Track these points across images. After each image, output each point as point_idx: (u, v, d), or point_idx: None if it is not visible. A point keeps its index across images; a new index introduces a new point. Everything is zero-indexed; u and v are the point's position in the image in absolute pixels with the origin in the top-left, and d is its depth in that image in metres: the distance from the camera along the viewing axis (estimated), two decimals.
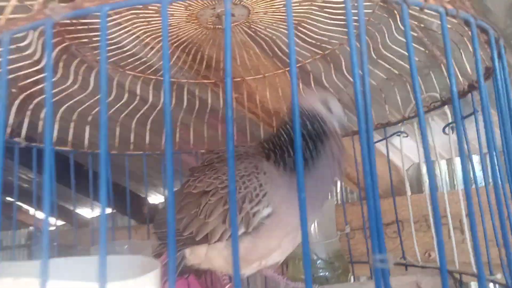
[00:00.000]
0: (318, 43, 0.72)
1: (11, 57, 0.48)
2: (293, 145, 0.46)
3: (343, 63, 0.75)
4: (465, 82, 0.57)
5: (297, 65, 0.82)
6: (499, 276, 0.55)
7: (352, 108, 0.88)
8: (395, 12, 0.60)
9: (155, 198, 2.22)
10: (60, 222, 2.36)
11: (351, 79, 0.27)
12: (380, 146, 1.26)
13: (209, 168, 0.57)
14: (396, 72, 0.69)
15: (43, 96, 0.64)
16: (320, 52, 0.75)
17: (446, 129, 0.62)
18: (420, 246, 0.80)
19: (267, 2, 0.53)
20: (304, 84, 0.92)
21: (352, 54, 0.26)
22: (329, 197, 0.65)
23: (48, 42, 0.24)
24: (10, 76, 0.49)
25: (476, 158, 1.25)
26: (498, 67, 0.39)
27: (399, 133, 0.69)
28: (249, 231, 0.51)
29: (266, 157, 0.54)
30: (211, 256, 0.53)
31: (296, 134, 0.27)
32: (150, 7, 0.56)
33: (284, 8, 0.55)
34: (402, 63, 0.66)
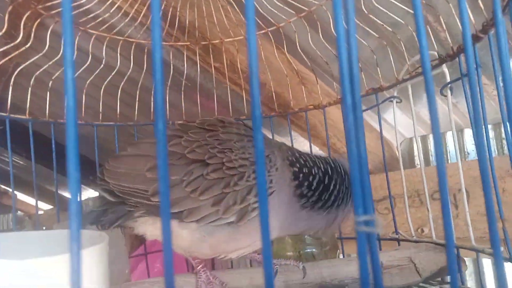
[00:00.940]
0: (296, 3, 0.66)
1: None
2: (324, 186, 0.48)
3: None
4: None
5: (273, 28, 0.75)
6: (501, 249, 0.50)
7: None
8: None
9: None
10: (48, 206, 2.29)
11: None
12: (371, 121, 1.21)
13: (211, 135, 0.49)
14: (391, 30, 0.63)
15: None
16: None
17: (444, 91, 0.56)
18: (412, 221, 0.76)
19: None
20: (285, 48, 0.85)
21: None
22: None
23: None
24: None
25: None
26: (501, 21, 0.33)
27: (392, 98, 0.63)
28: (240, 224, 0.45)
29: (289, 163, 0.49)
30: (178, 234, 0.46)
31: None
32: None
33: None
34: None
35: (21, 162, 1.75)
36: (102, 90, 0.70)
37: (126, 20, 0.68)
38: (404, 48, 0.61)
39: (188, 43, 0.74)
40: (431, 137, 1.27)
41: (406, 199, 0.77)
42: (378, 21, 0.65)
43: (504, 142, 1.11)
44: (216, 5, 0.74)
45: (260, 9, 0.72)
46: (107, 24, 0.66)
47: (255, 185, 0.44)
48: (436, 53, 0.54)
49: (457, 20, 0.49)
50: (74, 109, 0.19)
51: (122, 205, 0.47)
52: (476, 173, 0.98)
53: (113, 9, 0.66)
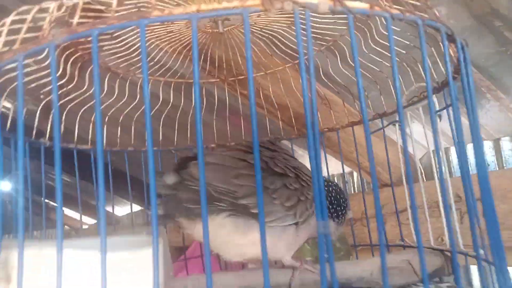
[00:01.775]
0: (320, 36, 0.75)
1: (29, 69, 0.54)
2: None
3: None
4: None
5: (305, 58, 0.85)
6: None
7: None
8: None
9: None
10: (93, 221, 2.48)
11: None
12: (392, 135, 1.29)
13: (281, 154, 0.59)
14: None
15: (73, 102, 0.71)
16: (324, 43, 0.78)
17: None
18: (432, 231, 0.82)
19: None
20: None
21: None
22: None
23: (52, 61, 0.30)
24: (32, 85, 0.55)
25: (488, 144, 1.25)
26: (463, 70, 0.42)
27: (395, 122, 0.72)
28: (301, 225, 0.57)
29: None
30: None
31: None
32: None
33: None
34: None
35: (68, 180, 1.92)
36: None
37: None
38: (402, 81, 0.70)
39: (218, 79, 0.86)
40: (452, 149, 1.33)
41: (427, 210, 0.84)
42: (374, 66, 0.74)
43: None
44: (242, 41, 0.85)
45: (288, 43, 0.82)
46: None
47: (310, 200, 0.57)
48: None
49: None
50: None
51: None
52: (493, 184, 1.03)
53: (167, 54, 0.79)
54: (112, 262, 0.34)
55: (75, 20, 0.30)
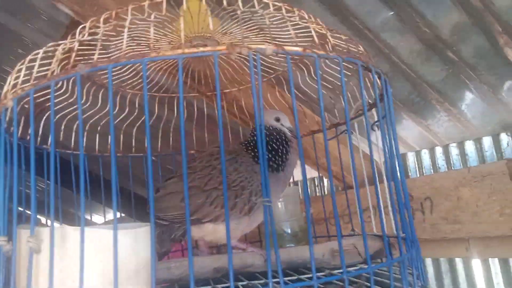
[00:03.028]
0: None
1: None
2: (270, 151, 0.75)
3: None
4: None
5: (273, 75, 0.98)
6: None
7: None
8: None
9: None
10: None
11: None
12: (360, 143, 1.43)
13: (212, 168, 0.74)
14: None
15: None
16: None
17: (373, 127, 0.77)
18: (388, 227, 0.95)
19: (230, 36, 0.70)
20: (281, 89, 1.09)
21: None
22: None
23: (79, 87, 0.41)
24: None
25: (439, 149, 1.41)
26: (385, 99, 0.55)
27: (345, 132, 0.85)
28: (250, 215, 0.72)
29: (253, 160, 0.75)
30: (216, 230, 0.73)
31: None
32: None
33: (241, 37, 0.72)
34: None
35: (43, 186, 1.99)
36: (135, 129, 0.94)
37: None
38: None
39: (197, 94, 0.98)
40: (409, 154, 1.48)
41: (371, 207, 0.97)
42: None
43: (467, 157, 1.31)
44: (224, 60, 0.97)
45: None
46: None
47: (253, 189, 0.73)
48: (368, 100, 0.76)
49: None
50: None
51: (171, 224, 0.72)
52: (438, 184, 1.19)
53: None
54: (119, 236, 0.45)
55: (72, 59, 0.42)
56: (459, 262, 1.33)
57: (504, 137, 1.23)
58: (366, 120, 0.53)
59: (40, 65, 0.48)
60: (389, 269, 0.48)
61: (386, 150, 0.62)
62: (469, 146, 1.31)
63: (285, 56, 0.41)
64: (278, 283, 0.41)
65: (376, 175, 0.94)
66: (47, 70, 0.45)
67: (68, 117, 0.82)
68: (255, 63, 0.40)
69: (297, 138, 0.44)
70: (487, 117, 1.25)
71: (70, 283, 0.45)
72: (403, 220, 0.65)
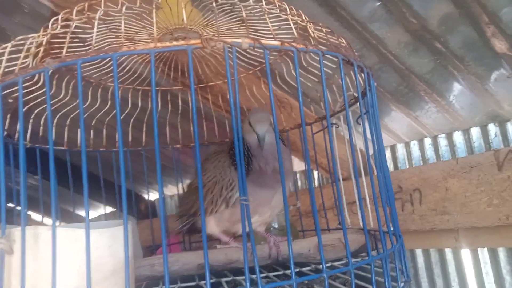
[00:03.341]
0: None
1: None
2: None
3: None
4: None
5: (258, 68, 0.97)
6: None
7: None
8: None
9: (152, 196, 2.39)
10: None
11: None
12: (346, 135, 1.42)
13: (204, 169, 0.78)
14: None
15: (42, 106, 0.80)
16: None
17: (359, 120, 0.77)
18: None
19: (212, 28, 0.68)
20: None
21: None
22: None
23: (47, 82, 0.40)
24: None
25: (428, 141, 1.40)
26: (367, 94, 0.54)
27: (333, 125, 0.84)
28: (229, 206, 0.73)
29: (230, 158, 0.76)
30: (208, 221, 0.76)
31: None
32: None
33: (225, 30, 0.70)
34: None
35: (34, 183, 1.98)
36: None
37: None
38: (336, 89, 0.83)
39: (182, 87, 0.96)
40: (399, 146, 1.48)
41: (358, 199, 0.97)
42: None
43: (456, 148, 1.31)
44: (208, 52, 0.95)
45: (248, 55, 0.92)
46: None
47: (224, 184, 0.74)
48: (354, 94, 0.75)
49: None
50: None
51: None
52: (427, 175, 1.18)
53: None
54: (94, 236, 0.44)
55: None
56: (448, 252, 1.33)
57: (492, 127, 1.23)
58: (347, 116, 0.52)
59: (11, 60, 0.46)
60: (371, 267, 0.47)
61: (369, 144, 0.61)
62: (458, 137, 1.31)
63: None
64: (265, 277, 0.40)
65: (362, 169, 0.94)
66: (15, 65, 0.44)
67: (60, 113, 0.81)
68: (231, 57, 0.39)
69: (277, 143, 0.43)
70: (475, 107, 1.25)
71: (44, 285, 0.43)
72: (386, 215, 0.64)
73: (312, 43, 0.45)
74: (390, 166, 1.45)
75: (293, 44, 0.41)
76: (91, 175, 0.91)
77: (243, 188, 0.40)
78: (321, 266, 0.69)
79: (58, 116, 0.84)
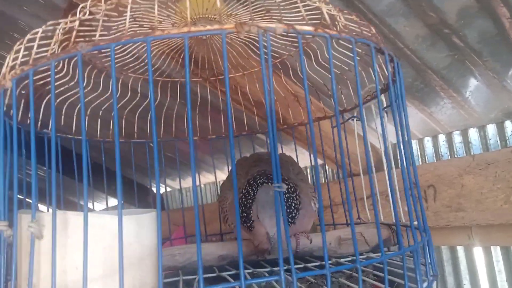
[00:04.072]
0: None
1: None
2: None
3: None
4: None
5: (279, 60, 0.96)
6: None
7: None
8: None
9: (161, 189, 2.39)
10: None
11: None
12: (360, 131, 1.41)
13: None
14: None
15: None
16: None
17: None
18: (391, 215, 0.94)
19: (236, 18, 0.68)
20: (285, 75, 1.07)
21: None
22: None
23: (80, 66, 0.39)
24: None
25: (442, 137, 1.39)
26: (397, 83, 0.54)
27: (353, 118, 0.83)
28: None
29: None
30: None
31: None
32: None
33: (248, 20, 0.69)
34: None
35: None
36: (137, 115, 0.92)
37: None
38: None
39: (200, 78, 0.96)
40: (412, 142, 1.47)
41: (378, 194, 0.97)
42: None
43: (471, 145, 1.30)
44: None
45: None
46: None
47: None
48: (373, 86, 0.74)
49: None
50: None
51: None
52: (441, 172, 1.17)
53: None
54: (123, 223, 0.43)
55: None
56: (460, 250, 1.32)
57: (508, 124, 1.22)
58: (379, 105, 0.51)
59: (40, 46, 0.46)
60: (402, 259, 0.46)
61: (399, 135, 0.60)
62: (473, 134, 1.29)
63: (290, 39, 0.40)
64: (288, 271, 0.40)
65: (385, 162, 0.93)
66: (47, 50, 0.43)
67: (68, 102, 0.80)
68: (265, 44, 0.38)
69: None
70: (491, 104, 1.23)
71: (72, 270, 0.43)
72: (409, 208, 0.63)
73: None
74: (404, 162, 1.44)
75: (327, 30, 0.40)
76: (107, 168, 0.92)
77: (277, 173, 0.39)
78: (342, 259, 0.69)
79: (66, 105, 0.82)
